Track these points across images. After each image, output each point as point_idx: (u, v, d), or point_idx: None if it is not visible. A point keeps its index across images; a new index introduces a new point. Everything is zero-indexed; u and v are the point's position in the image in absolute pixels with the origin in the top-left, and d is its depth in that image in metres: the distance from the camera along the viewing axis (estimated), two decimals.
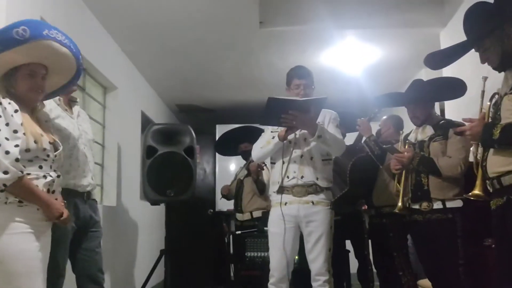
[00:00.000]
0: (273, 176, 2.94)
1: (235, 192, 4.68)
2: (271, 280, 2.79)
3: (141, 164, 4.08)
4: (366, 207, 3.85)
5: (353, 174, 3.32)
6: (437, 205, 2.64)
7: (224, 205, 5.88)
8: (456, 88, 2.80)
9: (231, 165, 6.62)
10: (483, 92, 2.17)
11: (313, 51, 4.70)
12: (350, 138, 3.66)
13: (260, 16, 4.07)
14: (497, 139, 1.93)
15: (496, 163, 1.98)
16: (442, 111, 4.11)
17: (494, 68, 2.10)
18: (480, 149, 2.12)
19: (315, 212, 2.76)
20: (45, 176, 1.99)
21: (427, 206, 2.67)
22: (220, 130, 6.02)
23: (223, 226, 5.37)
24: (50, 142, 2.04)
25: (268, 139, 2.87)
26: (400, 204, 2.73)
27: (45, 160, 2.01)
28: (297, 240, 2.84)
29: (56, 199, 2.07)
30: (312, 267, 2.76)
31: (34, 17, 2.72)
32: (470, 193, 2.17)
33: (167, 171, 3.78)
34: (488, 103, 2.12)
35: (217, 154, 6.50)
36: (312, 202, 2.78)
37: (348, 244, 3.98)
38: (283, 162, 2.83)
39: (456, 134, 2.40)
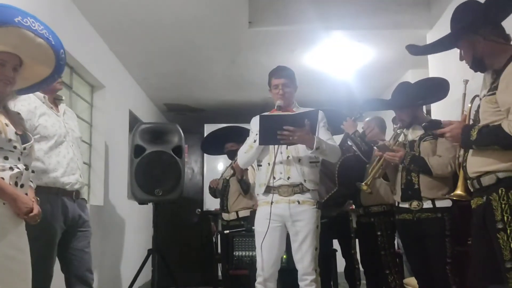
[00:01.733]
0: (259, 178, 2.91)
1: (221, 192, 4.69)
2: (259, 279, 2.79)
3: (129, 163, 4.07)
4: (353, 206, 3.88)
5: (341, 174, 3.35)
6: (427, 204, 2.68)
7: (212, 204, 5.88)
8: (440, 88, 2.85)
9: (219, 165, 6.62)
10: (464, 95, 2.23)
11: (301, 51, 4.72)
12: (336, 139, 3.69)
13: (249, 16, 4.08)
14: (474, 140, 1.97)
15: (475, 164, 2.02)
16: (428, 111, 4.16)
17: (470, 68, 2.15)
18: (462, 150, 2.16)
19: (302, 211, 2.76)
20: (11, 168, 1.85)
21: (417, 205, 2.71)
22: (209, 129, 6.00)
23: (210, 225, 5.37)
24: (17, 133, 1.91)
25: (250, 143, 2.87)
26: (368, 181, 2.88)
27: (12, 151, 1.88)
28: (283, 239, 2.83)
29: (26, 194, 1.93)
30: (299, 267, 2.76)
31: None
32: (452, 193, 2.22)
33: (155, 170, 3.78)
34: (469, 105, 2.17)
35: (205, 153, 6.49)
36: (298, 202, 2.77)
37: (335, 243, 4.01)
38: (269, 164, 2.82)
39: (437, 135, 2.45)
